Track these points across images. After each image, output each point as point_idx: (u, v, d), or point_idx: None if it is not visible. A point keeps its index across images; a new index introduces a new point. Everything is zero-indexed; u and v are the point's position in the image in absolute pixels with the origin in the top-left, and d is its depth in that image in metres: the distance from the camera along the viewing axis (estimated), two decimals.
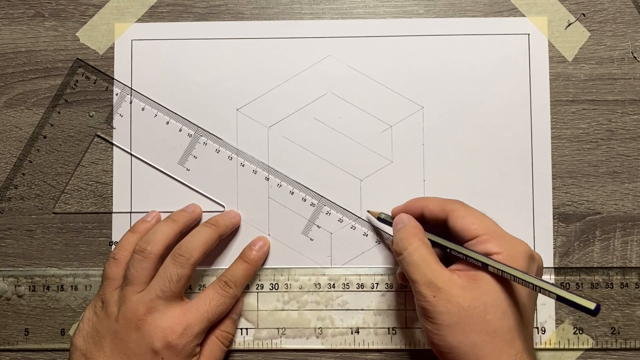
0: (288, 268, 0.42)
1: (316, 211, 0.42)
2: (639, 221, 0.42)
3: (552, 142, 0.42)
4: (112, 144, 0.43)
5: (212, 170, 0.43)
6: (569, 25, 0.43)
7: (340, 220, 0.42)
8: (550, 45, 0.43)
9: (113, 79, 0.43)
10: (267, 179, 0.42)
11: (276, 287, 0.42)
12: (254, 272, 0.41)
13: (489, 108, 0.42)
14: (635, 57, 0.42)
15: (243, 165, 0.43)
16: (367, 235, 0.42)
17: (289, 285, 0.42)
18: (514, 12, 0.43)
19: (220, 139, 0.43)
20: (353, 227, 0.42)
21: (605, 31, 0.43)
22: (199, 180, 0.43)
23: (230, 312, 0.40)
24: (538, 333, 0.41)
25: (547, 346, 0.41)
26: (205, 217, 0.42)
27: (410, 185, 0.42)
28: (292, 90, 0.43)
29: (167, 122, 0.43)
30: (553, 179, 0.42)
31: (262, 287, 0.42)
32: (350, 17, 0.43)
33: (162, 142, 0.43)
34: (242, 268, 0.40)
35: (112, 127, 0.43)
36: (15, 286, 0.42)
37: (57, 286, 0.42)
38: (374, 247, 0.42)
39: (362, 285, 0.42)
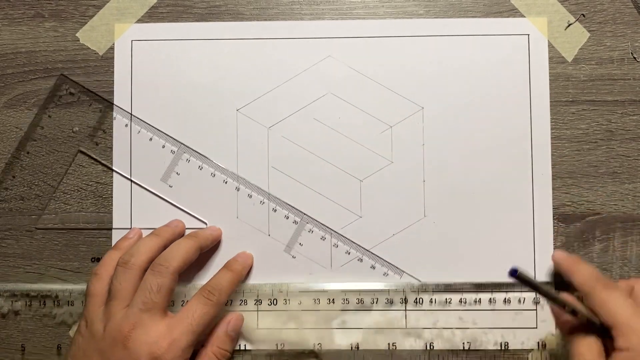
0: (287, 283, 0.42)
1: (298, 229, 0.42)
2: (639, 221, 0.42)
3: (552, 143, 0.42)
4: (96, 160, 0.42)
5: (194, 187, 0.42)
6: (569, 25, 0.43)
7: (323, 238, 0.42)
8: (550, 45, 0.43)
9: (97, 94, 0.43)
10: (250, 196, 0.42)
11: (274, 303, 0.41)
12: (238, 281, 0.40)
13: (489, 108, 0.42)
14: (635, 58, 0.42)
15: (226, 183, 0.42)
16: (349, 253, 0.42)
17: (287, 301, 0.41)
18: (513, 12, 0.43)
19: (203, 156, 0.42)
20: (335, 245, 0.42)
21: (605, 31, 0.43)
22: (181, 197, 0.42)
23: (227, 329, 0.39)
24: (539, 349, 0.41)
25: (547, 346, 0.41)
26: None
27: (410, 186, 0.42)
28: (292, 90, 0.43)
29: (151, 139, 0.42)
30: (553, 179, 0.42)
31: (261, 303, 0.41)
32: (350, 17, 0.43)
33: (144, 159, 0.42)
34: (226, 277, 0.39)
35: (95, 143, 0.42)
36: (12, 302, 0.42)
37: (54, 302, 0.42)
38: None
39: (361, 301, 0.41)
